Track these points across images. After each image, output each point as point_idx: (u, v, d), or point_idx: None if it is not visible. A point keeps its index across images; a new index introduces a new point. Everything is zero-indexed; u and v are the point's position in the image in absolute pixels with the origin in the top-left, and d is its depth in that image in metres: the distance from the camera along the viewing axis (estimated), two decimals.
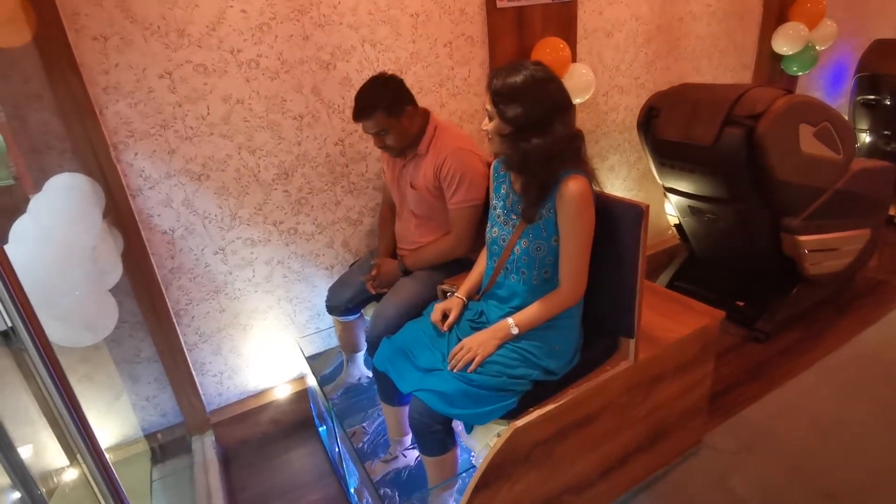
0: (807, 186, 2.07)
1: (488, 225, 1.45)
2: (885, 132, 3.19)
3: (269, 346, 2.07)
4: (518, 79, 1.20)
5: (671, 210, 2.56)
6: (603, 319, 1.46)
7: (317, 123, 1.90)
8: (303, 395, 2.13)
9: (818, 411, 1.94)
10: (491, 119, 1.27)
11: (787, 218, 2.14)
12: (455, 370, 1.29)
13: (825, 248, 2.25)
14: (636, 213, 1.28)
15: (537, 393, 1.33)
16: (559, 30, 2.25)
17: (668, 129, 2.14)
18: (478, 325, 1.43)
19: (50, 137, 1.55)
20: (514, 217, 1.36)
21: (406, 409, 1.54)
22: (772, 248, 2.25)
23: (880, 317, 2.45)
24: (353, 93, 1.86)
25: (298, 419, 2.13)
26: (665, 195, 2.51)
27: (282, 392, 2.12)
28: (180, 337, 1.87)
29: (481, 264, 1.53)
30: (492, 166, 1.48)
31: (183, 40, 1.62)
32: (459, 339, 1.40)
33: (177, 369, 1.89)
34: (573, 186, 1.23)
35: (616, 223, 1.32)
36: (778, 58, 3.11)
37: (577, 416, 1.39)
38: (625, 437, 1.55)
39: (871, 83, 3.13)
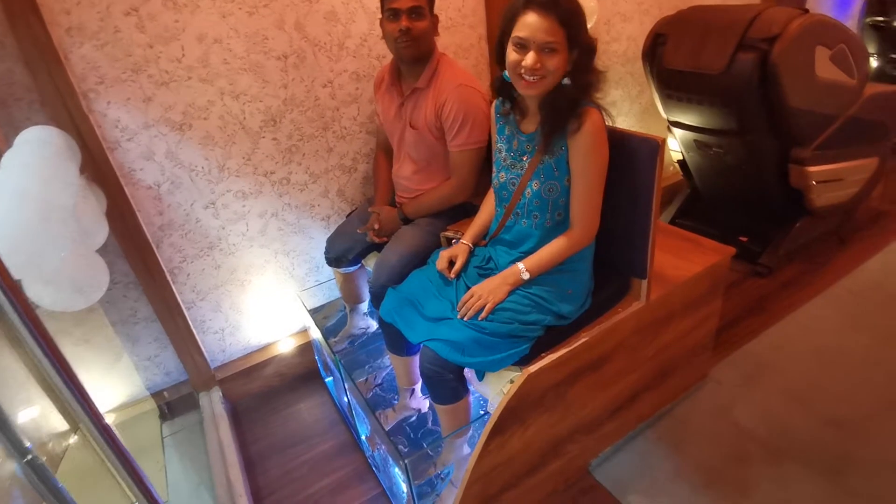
0: (819, 114, 1.99)
1: (494, 170, 1.37)
2: (893, 56, 3.06)
3: (269, 300, 2.03)
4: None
5: (675, 145, 2.48)
6: (614, 260, 1.42)
7: (303, 64, 1.76)
8: (307, 348, 2.11)
9: (821, 342, 1.95)
10: (552, 52, 1.11)
11: (796, 149, 2.07)
12: (465, 318, 1.26)
13: (833, 179, 2.19)
14: (651, 148, 1.21)
15: (549, 338, 1.30)
16: None
17: (676, 57, 2.02)
18: (485, 271, 1.39)
19: (16, 88, 1.42)
20: (523, 159, 1.28)
21: (415, 358, 1.53)
22: (778, 181, 2.19)
23: (882, 247, 2.44)
24: (339, 28, 1.72)
25: (304, 371, 2.13)
26: (669, 130, 2.41)
27: (285, 346, 2.10)
28: (177, 295, 1.82)
29: (487, 209, 1.47)
30: (492, 106, 1.38)
31: None
32: (467, 287, 1.36)
33: (176, 328, 1.85)
34: (589, 120, 1.15)
35: (629, 159, 1.25)
36: None
37: (589, 359, 1.37)
38: (634, 377, 1.55)
39: (881, 4, 2.98)
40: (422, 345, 1.30)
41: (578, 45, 1.13)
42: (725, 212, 2.54)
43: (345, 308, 2.02)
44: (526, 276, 1.27)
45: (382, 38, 1.58)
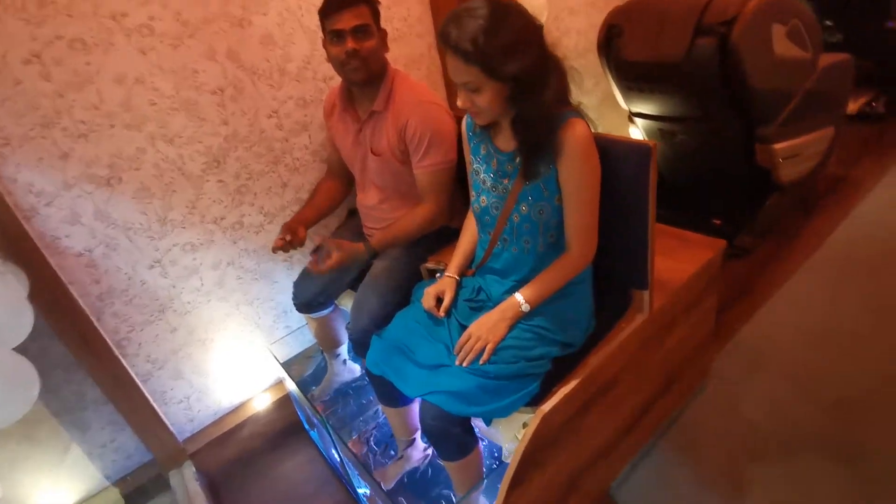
0: (780, 91, 1.97)
1: (473, 194, 1.24)
2: (828, 23, 3.14)
3: (236, 357, 1.84)
4: (498, 21, 0.95)
5: (637, 136, 2.43)
6: (612, 273, 1.32)
7: (241, 96, 1.58)
8: (285, 401, 1.93)
9: (809, 320, 1.94)
10: (476, 91, 1.00)
11: (760, 128, 2.05)
12: (465, 364, 1.13)
13: (797, 153, 2.19)
14: (643, 154, 1.12)
15: (557, 369, 1.19)
16: None
17: (633, 48, 1.95)
18: (477, 304, 1.26)
19: None
20: (504, 181, 1.16)
21: (411, 407, 1.39)
22: (745, 162, 2.17)
23: (846, 214, 2.47)
24: (278, 53, 1.56)
25: (285, 426, 1.94)
26: (631, 120, 2.36)
27: (261, 402, 1.91)
28: (129, 370, 1.61)
29: (469, 235, 1.34)
30: (463, 123, 1.26)
31: (46, 10, 1.26)
32: (460, 324, 1.23)
33: (133, 406, 1.63)
34: (575, 132, 1.04)
35: (619, 167, 1.15)
36: None
37: (599, 383, 1.27)
38: (643, 391, 1.47)
39: None
40: (421, 399, 1.16)
41: (504, 77, 0.98)
42: (694, 197, 2.51)
43: (322, 354, 1.85)
44: (526, 308, 1.15)
45: (327, 61, 1.43)
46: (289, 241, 1.46)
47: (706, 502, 1.42)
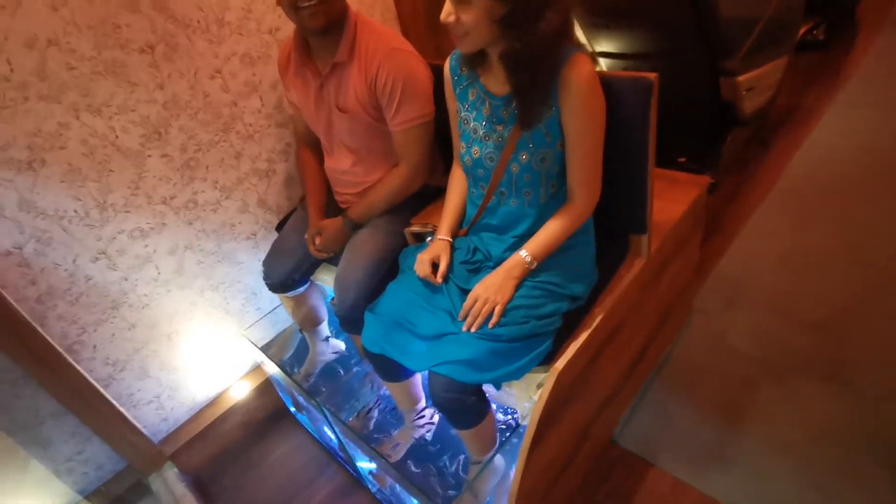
0: (746, 19, 1.95)
1: (462, 145, 1.14)
2: None
3: (207, 347, 1.70)
4: None
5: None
6: (610, 218, 1.26)
7: (176, 54, 1.37)
8: (266, 387, 1.82)
9: (781, 248, 1.99)
10: (463, 2, 0.88)
11: (726, 61, 2.02)
12: (474, 329, 1.05)
13: (758, 85, 2.20)
14: (644, 89, 1.05)
15: (566, 324, 1.14)
16: None
17: None
18: (474, 265, 1.18)
19: None
20: (498, 128, 1.06)
21: (414, 379, 1.32)
22: (710, 96, 2.16)
23: (802, 141, 2.54)
24: (213, 0, 1.36)
25: (270, 412, 1.83)
26: (595, 61, 2.28)
27: (239, 391, 1.79)
28: (86, 375, 1.44)
29: (457, 191, 1.24)
30: (446, 65, 1.14)
31: None
32: (459, 289, 1.15)
33: (96, 413, 1.48)
34: (581, 71, 0.94)
35: (619, 105, 1.08)
36: None
37: (605, 333, 1.24)
38: (641, 333, 1.46)
39: None
40: (429, 371, 1.08)
41: None
42: (659, 135, 2.49)
43: (302, 334, 1.74)
44: (533, 264, 1.08)
45: (277, 5, 1.24)
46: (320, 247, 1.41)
47: (705, 436, 1.45)
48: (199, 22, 1.39)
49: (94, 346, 1.46)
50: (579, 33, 2.17)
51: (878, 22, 3.46)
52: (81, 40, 1.22)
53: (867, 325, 1.63)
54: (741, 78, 2.07)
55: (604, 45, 2.13)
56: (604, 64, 2.26)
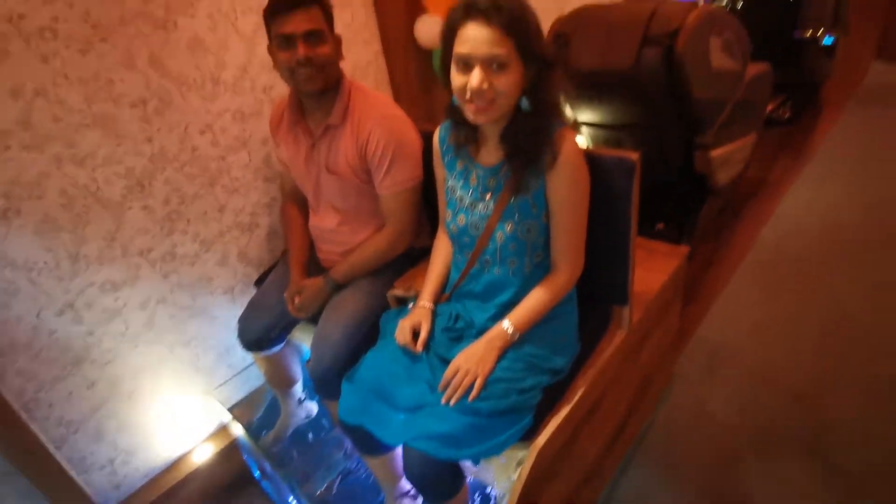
0: (717, 100, 2.05)
1: (448, 213, 1.15)
2: None
3: (171, 406, 1.61)
4: (525, 2, 0.91)
5: (583, 144, 2.45)
6: (592, 289, 1.27)
7: (168, 109, 1.38)
8: (231, 450, 1.72)
9: (756, 316, 2.03)
10: (502, 68, 0.92)
11: (699, 135, 2.13)
12: (453, 402, 1.02)
13: (729, 158, 2.31)
14: (627, 168, 1.08)
15: (548, 398, 1.12)
16: None
17: (583, 56, 1.95)
18: (456, 332, 1.16)
19: None
20: (485, 197, 1.07)
21: (396, 453, 1.26)
22: (686, 167, 2.25)
23: (771, 212, 2.65)
24: (210, 60, 1.39)
25: (232, 480, 1.72)
26: (577, 128, 2.38)
27: (203, 454, 1.69)
28: (39, 436, 1.35)
29: (441, 257, 1.24)
30: (435, 136, 1.16)
31: None
32: (439, 358, 1.12)
33: (45, 476, 1.37)
34: (566, 146, 0.98)
35: (604, 181, 1.11)
36: None
37: (587, 407, 1.22)
38: (623, 404, 1.44)
39: None
40: (404, 445, 1.04)
41: (534, 58, 0.95)
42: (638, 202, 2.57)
43: (273, 394, 1.67)
44: (515, 335, 1.07)
45: (274, 68, 1.28)
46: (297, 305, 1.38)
47: None
48: (194, 80, 1.41)
49: (50, 405, 1.37)
50: (564, 103, 2.27)
51: (842, 102, 3.71)
52: (71, 92, 1.22)
53: (843, 396, 1.65)
54: (714, 152, 2.17)
55: (586, 116, 2.22)
56: (586, 132, 2.35)
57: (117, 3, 1.24)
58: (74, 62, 1.21)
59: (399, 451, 1.26)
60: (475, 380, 1.03)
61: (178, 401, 1.62)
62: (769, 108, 3.44)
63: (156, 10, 1.30)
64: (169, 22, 1.33)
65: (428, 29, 1.81)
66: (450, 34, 0.95)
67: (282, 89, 1.58)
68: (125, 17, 1.25)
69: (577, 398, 1.15)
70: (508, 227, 1.06)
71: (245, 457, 1.71)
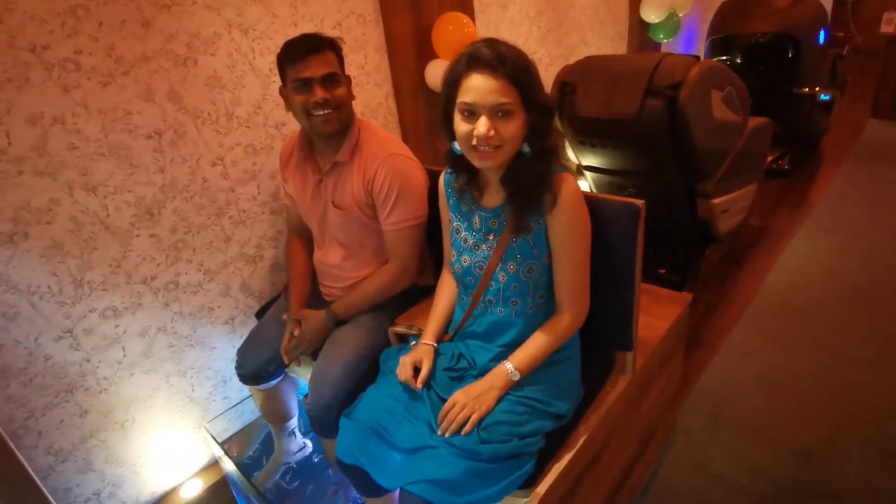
0: (718, 150, 2.10)
1: (453, 254, 1.16)
2: None
3: (162, 438, 1.57)
4: (510, 47, 0.95)
5: (587, 188, 2.49)
6: (596, 334, 1.26)
7: (182, 141, 1.42)
8: (222, 485, 1.66)
9: (759, 367, 2.00)
10: (507, 116, 0.95)
11: (701, 184, 2.16)
12: (448, 434, 1.00)
13: (731, 207, 2.34)
14: (632, 214, 1.09)
15: (550, 445, 1.09)
16: (456, 4, 1.98)
17: (588, 104, 2.01)
18: (457, 372, 1.15)
19: None
20: (489, 238, 1.09)
21: (394, 495, 1.22)
22: (688, 214, 2.28)
23: (773, 262, 2.65)
24: (226, 95, 1.43)
25: None
26: (580, 173, 2.42)
27: (192, 489, 1.64)
28: (24, 464, 1.30)
29: (445, 296, 1.24)
30: (441, 180, 1.19)
31: None
32: (440, 397, 1.10)
33: None
34: (566, 189, 1.00)
35: (607, 227, 1.12)
36: (646, 27, 3.21)
37: (589, 454, 1.19)
38: (626, 453, 1.40)
39: (723, 44, 3.37)
40: (401, 489, 1.01)
41: (536, 105, 0.98)
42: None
43: (268, 428, 1.63)
44: (516, 376, 1.05)
45: (286, 110, 1.32)
46: (296, 339, 1.36)
47: None
48: (209, 114, 1.45)
49: (40, 433, 1.34)
50: (568, 149, 2.32)
51: (840, 156, 3.78)
52: (90, 122, 1.25)
53: (848, 456, 1.60)
54: (716, 200, 2.20)
55: (589, 160, 2.26)
56: (589, 177, 2.39)
57: (141, 40, 1.29)
58: (95, 93, 1.25)
59: (397, 493, 1.22)
60: (472, 414, 1.01)
61: (170, 432, 1.58)
62: (769, 159, 3.50)
63: (178, 47, 1.35)
64: (190, 59, 1.38)
65: (439, 73, 1.87)
66: (453, 83, 0.98)
67: (293, 124, 1.62)
68: (147, 53, 1.30)
69: (579, 444, 1.12)
70: (511, 268, 1.06)
71: (235, 493, 1.66)
